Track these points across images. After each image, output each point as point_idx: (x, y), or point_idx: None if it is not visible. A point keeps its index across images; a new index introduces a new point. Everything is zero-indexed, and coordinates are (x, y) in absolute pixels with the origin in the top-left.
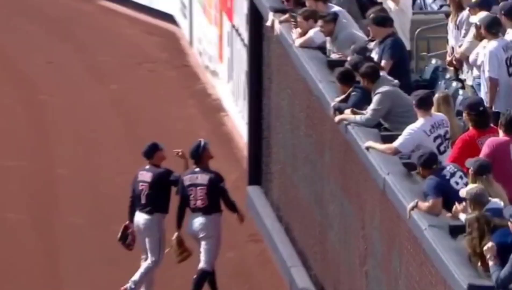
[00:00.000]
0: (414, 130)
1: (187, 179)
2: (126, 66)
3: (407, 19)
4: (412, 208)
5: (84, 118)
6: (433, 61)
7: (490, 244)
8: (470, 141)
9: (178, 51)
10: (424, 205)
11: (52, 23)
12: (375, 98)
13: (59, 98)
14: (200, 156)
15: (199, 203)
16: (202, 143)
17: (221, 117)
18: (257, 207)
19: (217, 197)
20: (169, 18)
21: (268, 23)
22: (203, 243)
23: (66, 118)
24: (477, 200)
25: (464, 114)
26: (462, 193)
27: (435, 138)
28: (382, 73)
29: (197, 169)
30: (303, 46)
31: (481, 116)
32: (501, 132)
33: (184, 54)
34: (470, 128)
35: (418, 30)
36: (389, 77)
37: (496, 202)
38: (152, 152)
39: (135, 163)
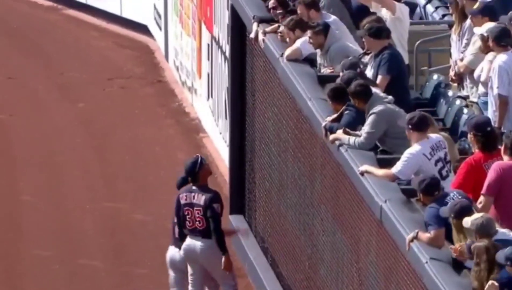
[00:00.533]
0: (413, 154)
1: (183, 198)
2: (95, 82)
3: (404, 29)
4: (412, 240)
5: (50, 140)
6: (435, 76)
7: (490, 282)
8: (476, 165)
9: (153, 65)
10: (425, 236)
11: (14, 34)
12: (369, 120)
13: (21, 117)
14: (197, 173)
15: (197, 225)
16: (200, 159)
17: (201, 139)
18: (240, 238)
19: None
20: (142, 29)
21: (252, 35)
22: (217, 277)
23: (29, 139)
24: (484, 232)
25: (469, 136)
26: (466, 223)
27: (436, 162)
28: (374, 90)
29: (194, 188)
30: (290, 58)
31: (489, 138)
32: (505, 157)
33: (159, 68)
34: (476, 150)
35: (418, 42)
36: (382, 94)
37: (505, 232)
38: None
39: (107, 190)
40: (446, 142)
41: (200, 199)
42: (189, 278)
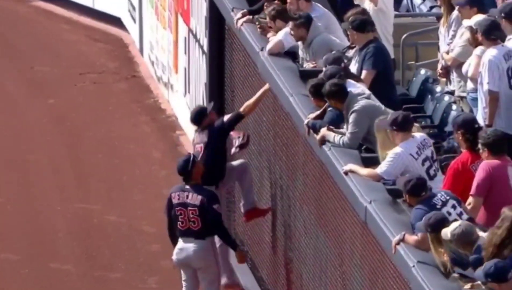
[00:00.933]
0: (399, 154)
1: (175, 197)
2: (67, 77)
3: (389, 21)
4: (398, 242)
5: (19, 138)
6: (422, 71)
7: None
8: (463, 168)
9: (127, 59)
10: (412, 238)
11: None
12: (351, 118)
13: None
14: (190, 172)
15: (191, 225)
16: (192, 157)
17: (177, 137)
18: (218, 242)
19: (210, 220)
20: (116, 21)
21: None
22: (203, 275)
23: None
24: (466, 240)
25: (456, 135)
26: (446, 235)
27: (423, 161)
28: (349, 88)
29: (187, 187)
30: (272, 52)
31: (477, 136)
32: (484, 155)
33: (133, 63)
34: (463, 151)
35: (404, 35)
36: (358, 90)
37: (484, 237)
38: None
39: (79, 190)
40: (431, 141)
41: (196, 198)
42: (183, 284)
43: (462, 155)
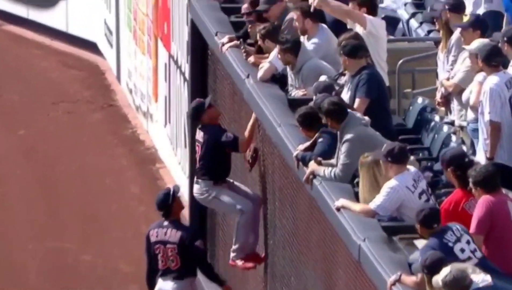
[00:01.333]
0: (395, 188)
1: (153, 235)
2: (38, 107)
3: (381, 46)
4: (394, 283)
5: None
6: (419, 100)
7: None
8: (454, 209)
9: (103, 87)
10: (410, 279)
11: None
12: (343, 148)
13: None
14: (169, 207)
15: (170, 264)
16: (172, 190)
17: (157, 170)
18: (202, 284)
19: (191, 259)
20: (91, 46)
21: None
22: None
23: None
24: (458, 286)
25: (446, 172)
26: (437, 283)
27: (420, 194)
28: (349, 110)
29: (166, 223)
30: (264, 79)
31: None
32: (477, 195)
33: (110, 91)
34: (455, 190)
35: (400, 61)
36: (358, 114)
37: (483, 278)
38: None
39: (52, 227)
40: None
41: (175, 235)
42: None
43: (454, 193)
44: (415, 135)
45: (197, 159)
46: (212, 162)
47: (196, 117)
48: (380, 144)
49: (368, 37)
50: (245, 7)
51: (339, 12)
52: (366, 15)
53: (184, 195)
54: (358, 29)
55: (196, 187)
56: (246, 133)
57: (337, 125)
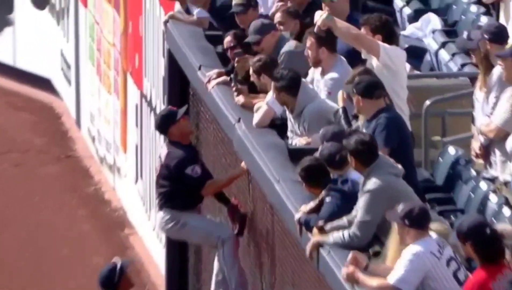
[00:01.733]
0: (418, 255)
1: None
2: None
3: (399, 82)
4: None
5: None
6: (451, 150)
7: None
8: None
9: (59, 134)
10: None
11: None
12: (364, 200)
13: None
14: (115, 286)
15: None
16: (119, 265)
17: (126, 237)
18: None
19: None
20: (44, 84)
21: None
22: None
23: None
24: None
25: (463, 246)
26: None
27: (448, 262)
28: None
29: None
30: (261, 126)
31: (491, 244)
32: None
33: (68, 139)
34: (477, 269)
35: (427, 102)
36: (391, 160)
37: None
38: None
39: None
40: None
41: None
42: None
43: (476, 273)
44: (446, 194)
45: (156, 179)
46: (174, 189)
47: (163, 128)
48: (411, 199)
49: (382, 70)
50: (228, 40)
51: (347, 36)
52: (380, 42)
53: (159, 267)
54: (374, 61)
55: (158, 216)
56: (223, 179)
57: (363, 168)
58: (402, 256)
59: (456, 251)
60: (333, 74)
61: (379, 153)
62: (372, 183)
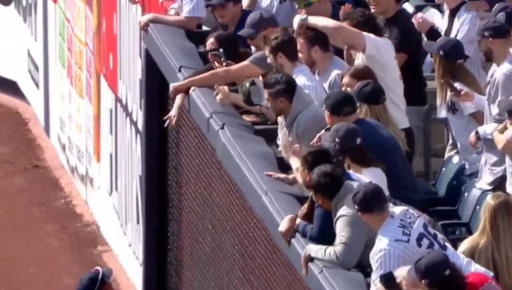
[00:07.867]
0: (385, 251)
1: None
2: None
3: (389, 74)
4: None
5: None
6: (455, 158)
7: None
8: None
9: (26, 142)
10: None
11: None
12: (340, 226)
13: None
14: None
15: None
16: (100, 274)
17: (99, 254)
18: None
19: None
20: (9, 87)
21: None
22: None
23: None
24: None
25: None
26: None
27: (419, 241)
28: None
29: None
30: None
31: (448, 288)
32: None
33: (35, 147)
34: None
35: (428, 106)
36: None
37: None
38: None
39: None
40: (415, 210)
41: None
42: None
43: None
44: (449, 207)
45: None
46: None
47: None
48: None
49: (371, 65)
50: (210, 42)
51: (326, 30)
52: (364, 32)
53: (136, 288)
54: (359, 57)
55: None
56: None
57: (328, 202)
58: (370, 259)
59: None
60: (331, 76)
61: (343, 182)
62: (342, 210)
